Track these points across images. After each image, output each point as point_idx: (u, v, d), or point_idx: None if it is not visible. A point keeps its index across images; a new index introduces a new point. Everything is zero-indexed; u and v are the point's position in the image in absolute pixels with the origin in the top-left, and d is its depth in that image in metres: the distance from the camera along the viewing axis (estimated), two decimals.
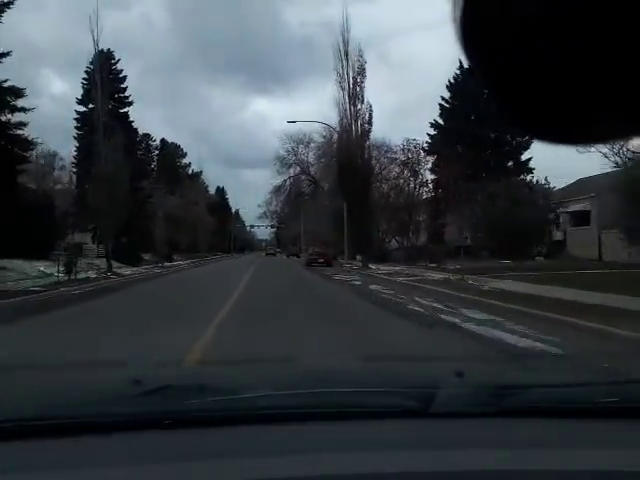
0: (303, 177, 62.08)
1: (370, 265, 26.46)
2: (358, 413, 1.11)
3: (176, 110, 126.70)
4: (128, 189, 25.84)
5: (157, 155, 65.89)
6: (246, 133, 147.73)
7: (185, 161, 71.58)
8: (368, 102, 27.78)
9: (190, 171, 71.96)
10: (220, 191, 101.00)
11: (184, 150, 72.14)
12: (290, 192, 65.06)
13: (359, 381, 1.56)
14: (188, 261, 42.52)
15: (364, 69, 27.13)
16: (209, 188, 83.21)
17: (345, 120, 27.61)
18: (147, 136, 61.10)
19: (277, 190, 62.89)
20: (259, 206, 77.02)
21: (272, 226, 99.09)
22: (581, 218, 28.60)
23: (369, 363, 3.46)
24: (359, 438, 1.01)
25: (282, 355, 4.74)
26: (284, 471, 0.84)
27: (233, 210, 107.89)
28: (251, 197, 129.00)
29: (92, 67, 27.40)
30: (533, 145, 33.75)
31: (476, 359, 5.17)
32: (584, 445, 1.00)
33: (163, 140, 68.47)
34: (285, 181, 61.84)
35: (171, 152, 68.84)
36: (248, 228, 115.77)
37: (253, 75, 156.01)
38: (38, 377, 2.58)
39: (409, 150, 36.56)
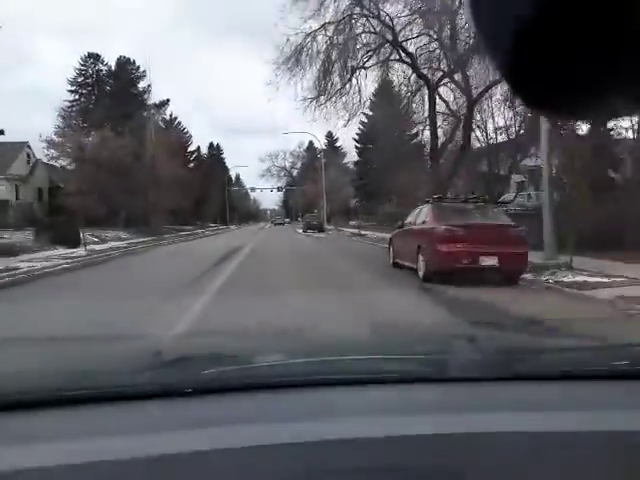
0: None
1: None
2: (373, 380, 1.11)
3: (171, 74, 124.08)
4: None
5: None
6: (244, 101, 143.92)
7: (143, 85, 51.77)
8: None
9: (155, 101, 52.43)
10: (215, 149, 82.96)
11: (140, 67, 52.36)
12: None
13: (373, 348, 1.58)
14: (133, 241, 27.57)
15: None
16: (200, 147, 69.83)
17: None
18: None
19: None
20: (261, 160, 63.19)
21: (279, 189, 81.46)
22: None
23: (382, 330, 3.39)
24: (374, 404, 1.02)
25: (297, 325, 4.68)
26: (300, 436, 0.85)
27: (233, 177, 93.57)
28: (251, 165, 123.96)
29: None
30: None
31: (488, 325, 4.87)
32: (601, 407, 1.00)
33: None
34: None
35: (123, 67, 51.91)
36: (249, 191, 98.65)
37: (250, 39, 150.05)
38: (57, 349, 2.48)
39: None
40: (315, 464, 0.82)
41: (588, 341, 1.87)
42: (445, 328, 4.45)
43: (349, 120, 24.31)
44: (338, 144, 69.53)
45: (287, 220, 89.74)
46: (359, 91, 23.53)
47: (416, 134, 33.57)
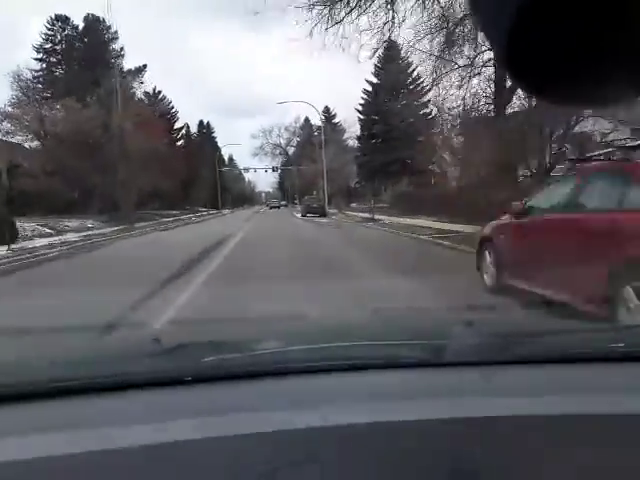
0: None
1: None
2: (372, 365, 1.12)
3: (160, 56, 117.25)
4: None
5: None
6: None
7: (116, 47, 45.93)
8: None
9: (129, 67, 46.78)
10: (205, 127, 76.64)
11: (111, 27, 45.38)
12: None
13: (372, 334, 1.59)
14: (95, 232, 22.73)
15: None
16: (188, 125, 65.01)
17: None
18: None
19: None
20: (253, 137, 51.54)
21: (274, 168, 71.28)
22: None
23: (381, 315, 3.33)
24: (374, 389, 1.02)
25: (296, 312, 4.32)
26: (301, 422, 0.85)
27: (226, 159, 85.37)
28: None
29: None
30: None
31: (485, 308, 4.81)
32: (599, 389, 1.01)
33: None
34: None
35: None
36: (243, 172, 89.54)
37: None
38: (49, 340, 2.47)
39: None
40: (316, 450, 0.82)
41: (586, 324, 1.94)
42: (443, 313, 4.58)
43: (376, 50, 18.16)
44: (336, 120, 64.05)
45: (283, 203, 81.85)
46: (392, 2, 16.62)
47: (427, 102, 28.22)
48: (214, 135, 79.00)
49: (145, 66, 50.72)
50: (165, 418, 0.91)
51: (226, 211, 66.89)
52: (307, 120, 68.66)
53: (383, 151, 42.73)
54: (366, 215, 28.90)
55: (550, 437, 0.84)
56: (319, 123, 53.12)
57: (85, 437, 0.85)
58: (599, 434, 0.85)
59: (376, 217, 26.64)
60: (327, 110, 58.46)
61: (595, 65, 0.47)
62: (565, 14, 0.44)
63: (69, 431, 0.89)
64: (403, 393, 1.01)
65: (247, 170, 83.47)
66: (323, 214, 36.24)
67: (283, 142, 67.49)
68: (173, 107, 59.73)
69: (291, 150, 74.87)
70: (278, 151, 70.43)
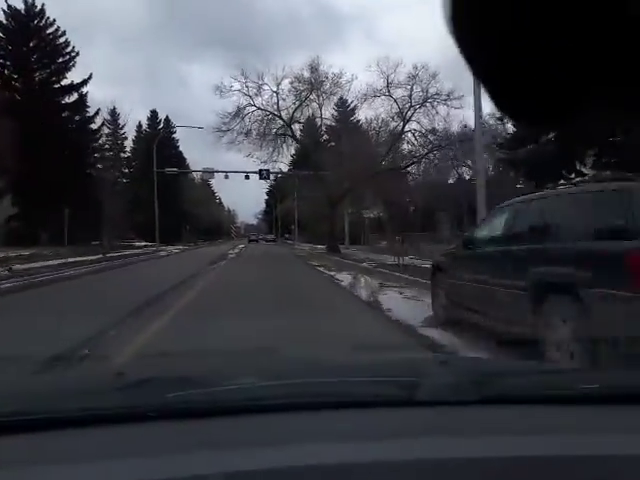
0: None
1: None
2: (343, 403, 1.10)
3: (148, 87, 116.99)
4: None
5: None
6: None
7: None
8: None
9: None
10: (158, 122, 57.70)
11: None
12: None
13: (343, 371, 1.54)
14: None
15: None
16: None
17: None
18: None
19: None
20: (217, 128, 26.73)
21: (262, 174, 32.92)
22: None
23: (354, 353, 3.26)
24: (343, 428, 1.00)
25: (265, 345, 4.35)
26: (268, 462, 0.83)
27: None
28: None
29: None
30: None
31: (459, 349, 4.92)
32: (569, 431, 1.01)
33: None
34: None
35: None
36: (210, 184, 62.26)
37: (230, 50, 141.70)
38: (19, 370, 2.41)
39: None
40: None
41: (558, 364, 1.92)
42: (416, 351, 4.68)
43: None
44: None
45: (271, 237, 59.57)
46: None
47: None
48: (176, 138, 58.67)
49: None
50: (127, 455, 0.88)
51: (174, 249, 40.37)
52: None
53: None
54: None
55: (520, 478, 0.83)
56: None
57: (46, 472, 0.83)
58: (569, 477, 0.84)
59: None
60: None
61: (573, 92, 0.47)
62: (541, 46, 0.44)
63: (29, 467, 0.86)
64: (373, 432, 0.99)
65: (211, 177, 45.04)
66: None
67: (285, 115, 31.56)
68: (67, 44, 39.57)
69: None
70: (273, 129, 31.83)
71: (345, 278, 13.76)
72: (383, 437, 0.96)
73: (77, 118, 41.38)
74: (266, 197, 69.89)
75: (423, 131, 30.02)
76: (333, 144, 36.55)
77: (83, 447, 0.93)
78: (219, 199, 79.75)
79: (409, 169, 34.01)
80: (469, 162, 29.68)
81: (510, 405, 1.12)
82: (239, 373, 1.52)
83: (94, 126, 43.01)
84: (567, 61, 0.45)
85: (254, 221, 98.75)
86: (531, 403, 1.13)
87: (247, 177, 37.78)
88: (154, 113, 58.63)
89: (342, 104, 39.59)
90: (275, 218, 62.15)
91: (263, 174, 36.11)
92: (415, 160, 31.97)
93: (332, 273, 15.71)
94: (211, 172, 42.24)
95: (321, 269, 17.75)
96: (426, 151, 30.62)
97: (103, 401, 1.13)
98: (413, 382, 1.18)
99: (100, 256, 24.64)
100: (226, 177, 40.05)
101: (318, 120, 34.72)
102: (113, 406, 1.08)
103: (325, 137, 38.87)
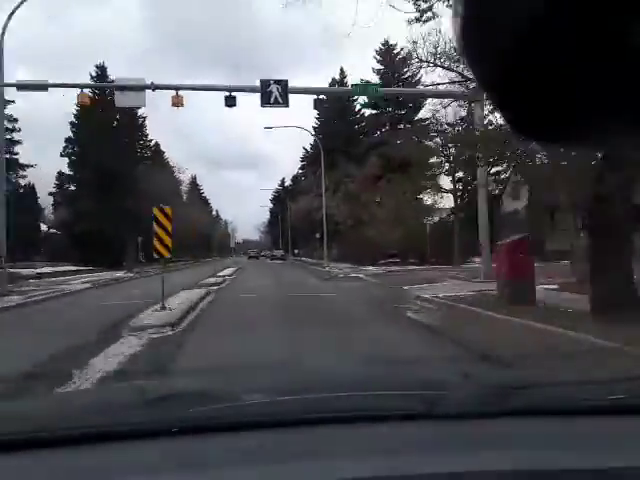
0: None
1: None
2: (364, 417, 1.10)
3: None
4: None
5: None
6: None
7: None
8: None
9: None
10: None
11: None
12: None
13: (364, 384, 1.53)
14: None
15: None
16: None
17: None
18: None
19: None
20: None
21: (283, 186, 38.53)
22: None
23: (374, 366, 3.22)
24: (368, 442, 1.00)
25: (283, 359, 4.44)
26: (287, 478, 0.83)
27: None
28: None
29: None
30: None
31: (481, 362, 4.87)
32: (598, 443, 0.99)
33: None
34: None
35: None
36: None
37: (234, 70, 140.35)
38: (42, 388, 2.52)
39: None
40: None
41: (585, 375, 1.88)
42: (439, 364, 4.55)
43: None
44: None
45: (279, 253, 52.29)
46: None
47: None
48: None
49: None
50: (150, 471, 0.88)
51: (157, 273, 19.60)
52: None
53: None
54: None
55: None
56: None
57: None
58: None
59: None
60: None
61: (586, 108, 0.46)
62: (553, 63, 0.43)
63: None
64: (397, 446, 0.98)
65: (140, 105, 18.73)
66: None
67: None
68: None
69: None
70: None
71: None
72: (406, 451, 0.95)
73: None
74: (271, 205, 59.54)
75: None
76: None
77: (106, 462, 0.94)
78: (206, 200, 69.61)
79: None
80: None
81: (534, 417, 1.11)
82: (256, 388, 1.53)
83: None
84: (591, 86, 0.44)
85: (256, 236, 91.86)
86: (556, 415, 1.12)
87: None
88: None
89: None
90: (282, 231, 50.62)
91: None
92: None
93: None
94: (142, 87, 16.79)
95: None
96: None
97: (126, 417, 1.14)
98: (435, 395, 1.18)
99: None
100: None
101: None
102: (136, 422, 1.10)
103: None
